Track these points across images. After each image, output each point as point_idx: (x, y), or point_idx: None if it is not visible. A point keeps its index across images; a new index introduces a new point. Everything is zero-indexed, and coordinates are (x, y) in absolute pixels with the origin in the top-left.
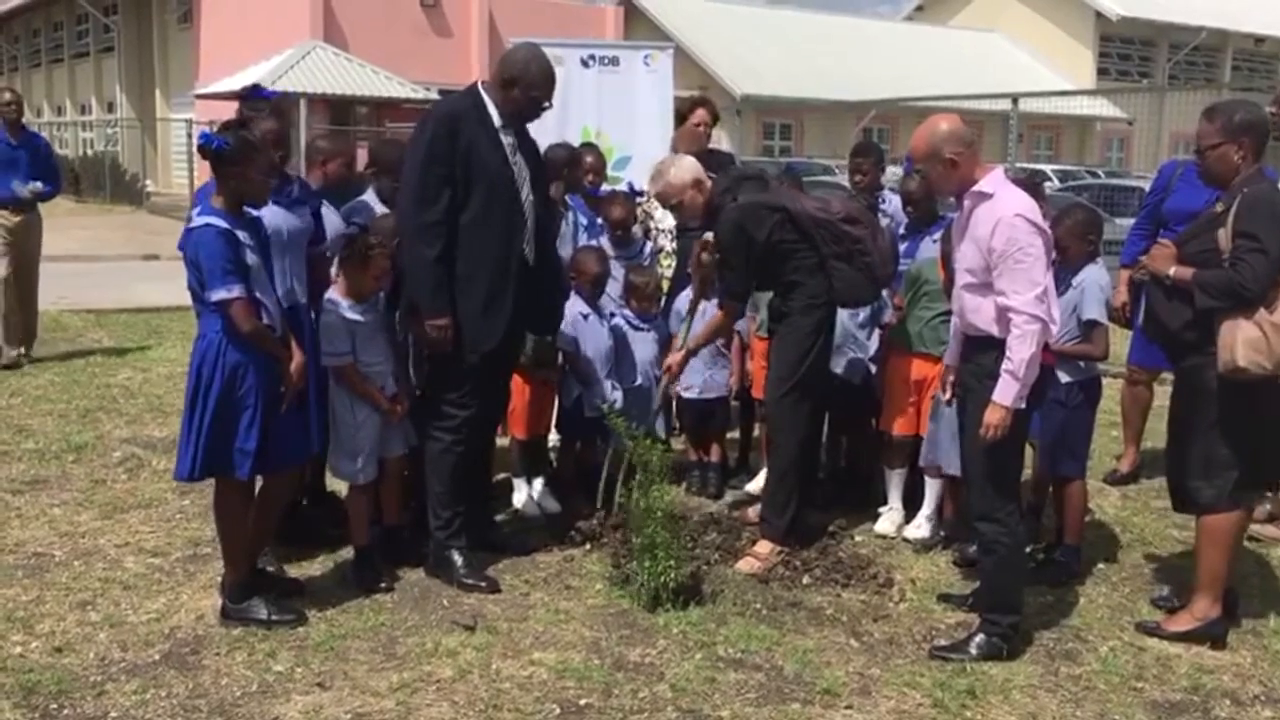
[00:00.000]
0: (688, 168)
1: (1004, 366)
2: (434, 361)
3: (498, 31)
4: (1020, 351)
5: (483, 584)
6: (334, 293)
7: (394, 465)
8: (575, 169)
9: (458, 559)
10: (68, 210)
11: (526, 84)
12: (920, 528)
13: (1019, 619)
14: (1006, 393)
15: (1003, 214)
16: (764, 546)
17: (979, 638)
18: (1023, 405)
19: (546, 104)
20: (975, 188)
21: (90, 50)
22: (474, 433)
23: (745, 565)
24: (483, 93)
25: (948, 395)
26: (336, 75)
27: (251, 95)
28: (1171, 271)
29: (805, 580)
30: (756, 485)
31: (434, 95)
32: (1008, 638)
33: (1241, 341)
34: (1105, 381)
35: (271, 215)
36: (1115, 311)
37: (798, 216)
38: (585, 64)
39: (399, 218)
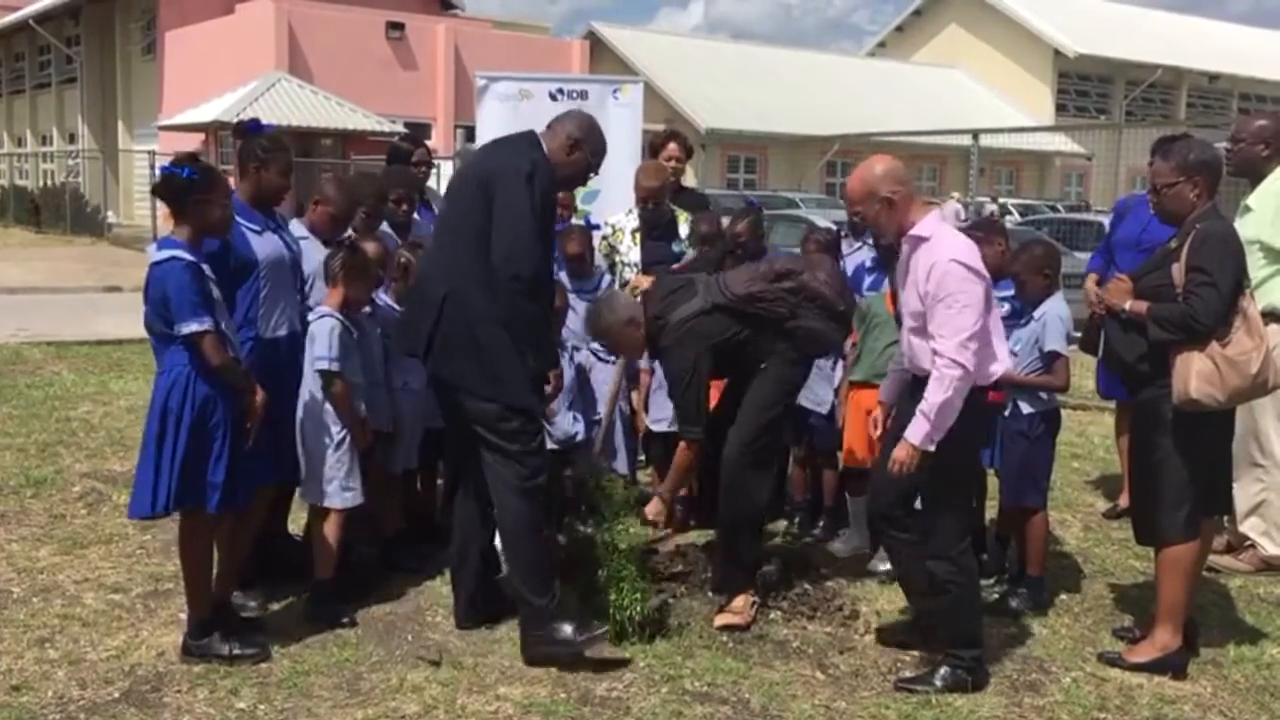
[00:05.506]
0: (620, 308)
1: (919, 406)
2: (503, 421)
3: (464, 64)
4: (935, 394)
5: (599, 633)
6: (326, 304)
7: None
8: None
9: (568, 628)
10: (28, 241)
11: (591, 149)
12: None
13: (981, 651)
14: (916, 432)
15: (938, 258)
16: (738, 601)
17: (943, 670)
18: (931, 448)
19: (594, 173)
20: (913, 231)
21: (52, 81)
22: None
23: (724, 620)
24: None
25: (878, 431)
26: (301, 107)
27: (250, 130)
28: (1127, 305)
29: (771, 613)
30: None
31: (399, 128)
32: (972, 670)
33: (1195, 374)
34: (1064, 413)
35: (274, 244)
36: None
37: (731, 305)
38: (554, 97)
39: (471, 268)
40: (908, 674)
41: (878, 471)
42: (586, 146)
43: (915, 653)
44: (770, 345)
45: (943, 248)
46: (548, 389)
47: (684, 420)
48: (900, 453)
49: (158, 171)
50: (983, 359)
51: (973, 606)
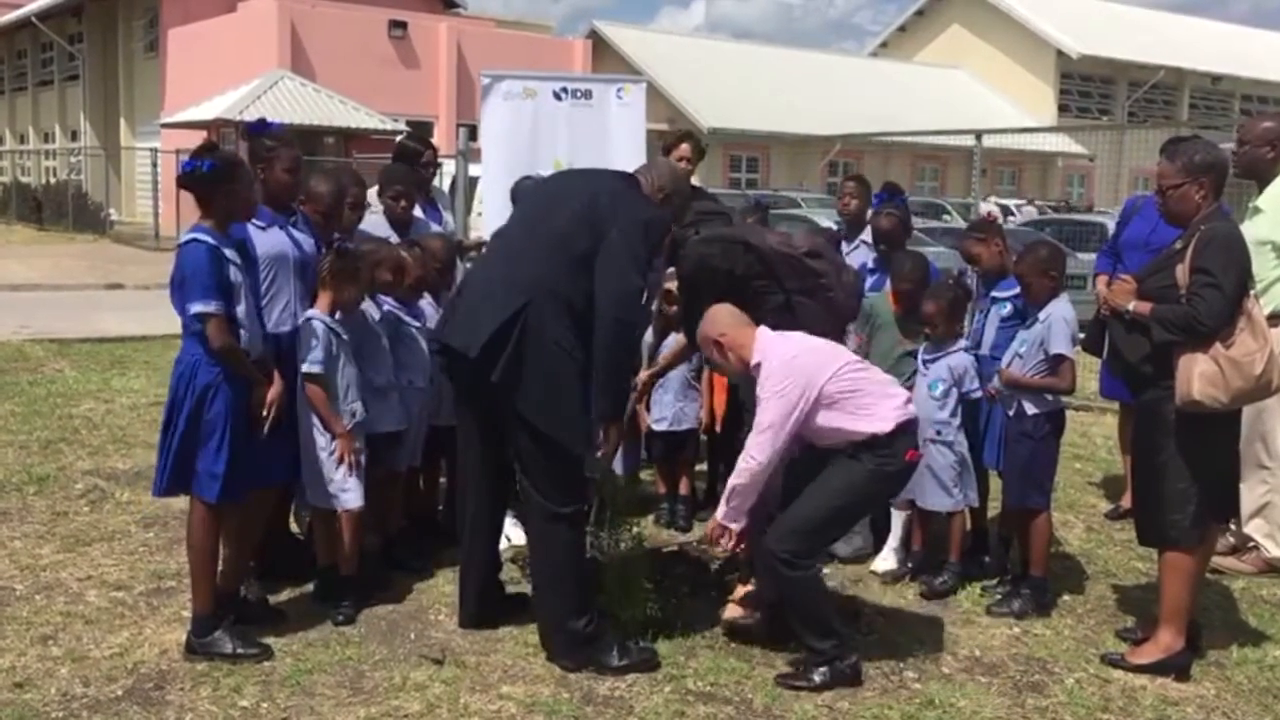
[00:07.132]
0: None
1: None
2: (562, 456)
3: (466, 63)
4: (734, 478)
5: (640, 659)
6: (316, 308)
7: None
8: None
9: (616, 651)
10: (30, 238)
11: (678, 202)
12: (887, 560)
13: (838, 638)
14: (719, 510)
15: (768, 370)
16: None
17: (822, 669)
18: (734, 526)
19: (674, 226)
20: (753, 363)
21: (55, 78)
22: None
23: (733, 613)
24: None
25: (732, 544)
26: (304, 105)
27: (252, 130)
28: (1131, 306)
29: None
30: None
31: (401, 126)
32: (842, 656)
33: (1198, 375)
34: (1067, 414)
35: (278, 240)
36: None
37: (761, 251)
38: (558, 96)
39: (558, 287)
40: (788, 670)
41: (797, 511)
42: (676, 200)
43: (918, 653)
44: (772, 313)
45: (767, 363)
46: (605, 439)
47: (683, 320)
48: (713, 528)
49: (178, 167)
50: (855, 411)
51: (818, 603)
